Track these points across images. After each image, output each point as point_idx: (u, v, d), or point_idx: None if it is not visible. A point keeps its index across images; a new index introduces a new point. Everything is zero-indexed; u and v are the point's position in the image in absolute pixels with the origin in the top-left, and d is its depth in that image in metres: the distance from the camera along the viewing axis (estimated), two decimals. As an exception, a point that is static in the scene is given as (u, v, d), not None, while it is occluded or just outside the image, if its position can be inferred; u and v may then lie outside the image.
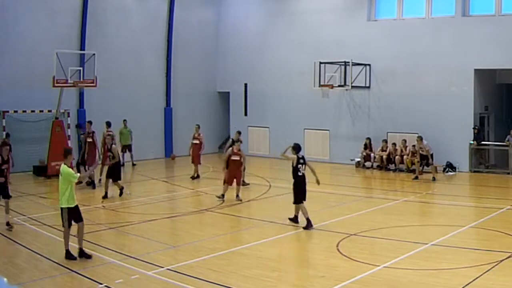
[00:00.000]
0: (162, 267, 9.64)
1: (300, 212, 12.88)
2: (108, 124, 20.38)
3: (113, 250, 10.74)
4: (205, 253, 10.67)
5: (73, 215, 10.22)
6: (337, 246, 11.00)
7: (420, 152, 20.49)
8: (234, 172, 15.83)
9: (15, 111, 21.14)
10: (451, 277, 8.94)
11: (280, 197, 16.96)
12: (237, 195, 15.83)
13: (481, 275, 8.96)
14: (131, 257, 10.27)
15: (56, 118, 20.94)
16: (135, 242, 11.67)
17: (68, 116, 22.49)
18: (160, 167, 24.11)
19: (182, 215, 14.23)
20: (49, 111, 21.38)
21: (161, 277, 9.16)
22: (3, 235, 11.86)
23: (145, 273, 9.35)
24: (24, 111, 21.31)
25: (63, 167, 10.09)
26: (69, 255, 10.05)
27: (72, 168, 10.22)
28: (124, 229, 12.76)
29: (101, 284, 8.75)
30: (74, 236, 10.35)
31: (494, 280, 8.75)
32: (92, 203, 15.87)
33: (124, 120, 23.28)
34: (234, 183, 15.83)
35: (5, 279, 5.08)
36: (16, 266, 9.66)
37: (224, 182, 15.93)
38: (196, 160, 19.88)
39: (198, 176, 19.86)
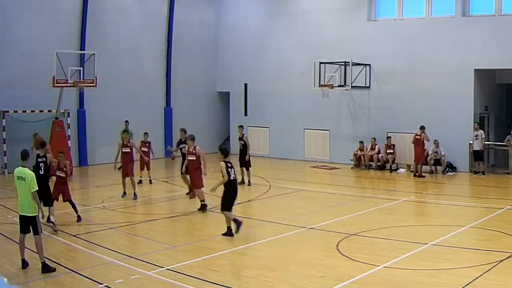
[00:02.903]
0: (162, 267, 9.63)
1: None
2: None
3: (113, 250, 10.73)
4: (205, 253, 10.66)
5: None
6: (337, 246, 11.00)
7: (435, 156, 20.98)
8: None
9: (15, 111, 21.13)
10: (451, 277, 8.93)
11: (280, 197, 16.98)
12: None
13: (481, 275, 8.95)
14: (131, 257, 10.26)
15: (56, 118, 20.95)
16: (135, 242, 11.67)
17: (68, 116, 22.48)
18: (160, 167, 24.08)
19: (182, 215, 14.22)
20: (49, 111, 21.38)
21: (161, 277, 9.15)
22: (3, 235, 11.87)
23: (145, 273, 9.35)
24: (24, 111, 21.30)
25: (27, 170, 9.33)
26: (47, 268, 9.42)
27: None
28: (124, 229, 12.76)
29: (101, 284, 8.74)
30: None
31: (494, 280, 8.75)
32: (92, 203, 15.88)
33: (126, 121, 22.38)
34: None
35: (5, 279, 5.08)
36: (16, 266, 9.65)
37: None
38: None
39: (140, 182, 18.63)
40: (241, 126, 19.93)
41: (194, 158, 14.59)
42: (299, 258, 10.31)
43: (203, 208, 14.42)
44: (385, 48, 22.83)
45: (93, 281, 8.87)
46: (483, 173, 20.40)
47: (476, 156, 20.51)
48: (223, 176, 11.81)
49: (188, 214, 14.42)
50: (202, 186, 14.61)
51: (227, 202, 11.97)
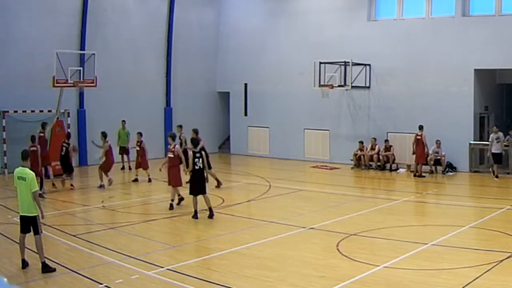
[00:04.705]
0: (162, 267, 9.63)
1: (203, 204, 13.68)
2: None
3: (113, 250, 10.73)
4: (205, 253, 10.68)
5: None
6: (337, 246, 11.00)
7: (435, 156, 20.98)
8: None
9: (15, 111, 21.12)
10: (451, 277, 8.93)
11: (280, 197, 16.97)
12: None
13: (481, 275, 8.95)
14: (131, 257, 10.26)
15: (57, 118, 20.93)
16: (135, 242, 11.66)
17: (68, 116, 22.48)
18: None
19: (182, 215, 14.22)
20: (49, 111, 21.35)
21: (161, 277, 9.15)
22: (3, 235, 11.87)
23: (145, 273, 9.35)
24: (24, 111, 21.28)
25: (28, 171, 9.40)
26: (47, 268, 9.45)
27: None
28: (124, 229, 12.75)
29: (101, 284, 8.74)
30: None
31: (494, 280, 8.75)
32: (92, 203, 15.87)
33: (123, 121, 22.99)
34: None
35: (5, 279, 5.07)
36: (16, 266, 9.65)
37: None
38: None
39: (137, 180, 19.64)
40: (180, 126, 19.94)
41: (173, 156, 14.92)
42: (299, 258, 10.30)
43: (179, 201, 15.14)
44: (385, 48, 22.83)
45: (93, 281, 8.87)
46: (497, 177, 19.73)
47: (496, 158, 19.80)
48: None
49: (188, 214, 14.41)
50: (180, 185, 15.10)
51: (192, 188, 13.59)
